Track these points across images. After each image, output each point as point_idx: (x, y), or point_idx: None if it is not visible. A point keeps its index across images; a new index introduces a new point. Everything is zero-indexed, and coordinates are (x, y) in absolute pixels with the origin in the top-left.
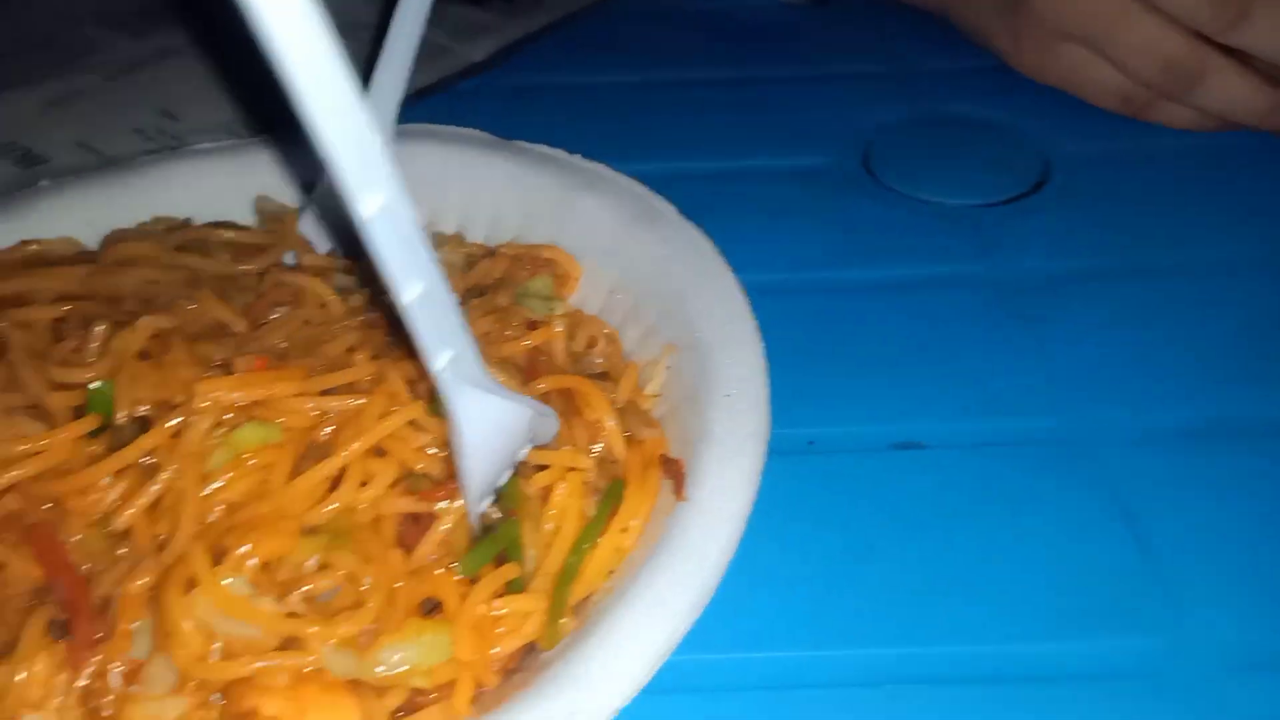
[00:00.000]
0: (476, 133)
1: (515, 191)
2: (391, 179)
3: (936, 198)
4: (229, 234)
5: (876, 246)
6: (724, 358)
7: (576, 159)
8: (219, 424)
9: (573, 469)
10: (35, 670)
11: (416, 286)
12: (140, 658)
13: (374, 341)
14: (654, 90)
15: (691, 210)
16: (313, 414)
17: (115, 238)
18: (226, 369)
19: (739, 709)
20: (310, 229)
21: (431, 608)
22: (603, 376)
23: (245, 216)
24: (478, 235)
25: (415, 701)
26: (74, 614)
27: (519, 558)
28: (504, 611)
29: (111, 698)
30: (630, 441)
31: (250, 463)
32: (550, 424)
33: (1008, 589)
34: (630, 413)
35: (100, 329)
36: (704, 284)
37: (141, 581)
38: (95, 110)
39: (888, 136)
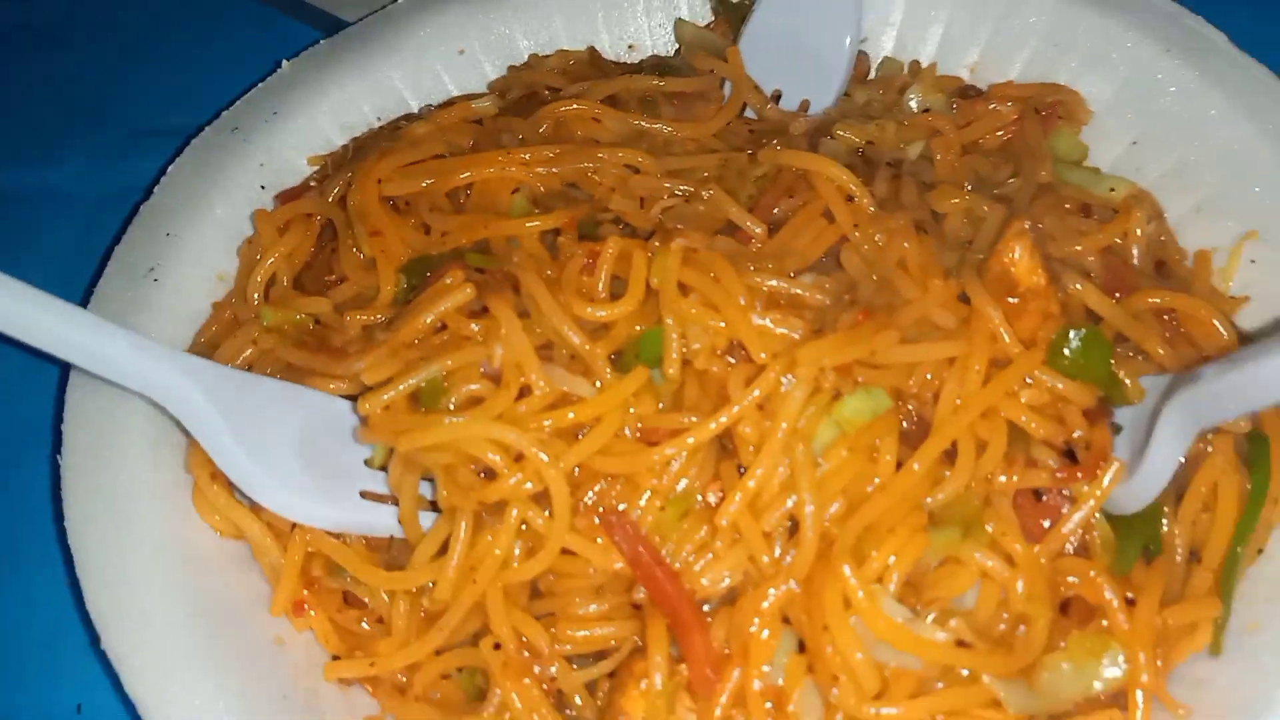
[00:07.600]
0: None
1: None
2: None
3: None
4: (672, 84)
5: None
6: None
7: None
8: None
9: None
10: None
11: None
12: (774, 683)
13: (926, 248)
14: None
15: None
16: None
17: (524, 83)
18: (777, 301)
19: None
20: (752, 62)
21: (1064, 606)
22: (1157, 267)
23: (660, 45)
24: (924, 59)
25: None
26: (682, 625)
27: (1158, 545)
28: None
29: None
30: None
31: (858, 440)
32: None
33: None
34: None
35: (612, 251)
36: None
37: (773, 596)
38: None
39: None
